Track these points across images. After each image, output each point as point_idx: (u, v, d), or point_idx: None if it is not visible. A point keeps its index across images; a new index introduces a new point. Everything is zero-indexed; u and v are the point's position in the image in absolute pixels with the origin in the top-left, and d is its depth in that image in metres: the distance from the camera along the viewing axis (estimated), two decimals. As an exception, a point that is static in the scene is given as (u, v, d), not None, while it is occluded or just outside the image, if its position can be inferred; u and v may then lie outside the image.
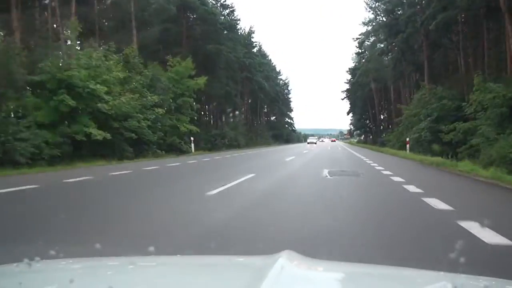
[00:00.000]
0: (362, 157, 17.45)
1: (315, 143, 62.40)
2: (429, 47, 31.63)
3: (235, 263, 1.34)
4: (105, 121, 17.80)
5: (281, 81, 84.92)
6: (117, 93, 18.40)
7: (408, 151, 19.81)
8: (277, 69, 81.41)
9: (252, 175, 8.96)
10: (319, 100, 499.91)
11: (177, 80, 26.41)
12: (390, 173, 9.55)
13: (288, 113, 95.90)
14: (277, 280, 0.86)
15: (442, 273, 1.10)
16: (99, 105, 16.80)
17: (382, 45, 48.82)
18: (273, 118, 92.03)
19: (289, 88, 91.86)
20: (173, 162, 14.80)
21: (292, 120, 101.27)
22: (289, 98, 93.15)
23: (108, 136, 16.84)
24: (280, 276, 0.90)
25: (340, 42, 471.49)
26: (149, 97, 21.64)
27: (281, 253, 1.07)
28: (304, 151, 25.93)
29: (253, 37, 52.78)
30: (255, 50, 58.63)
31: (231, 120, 60.89)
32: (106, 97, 17.41)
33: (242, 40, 51.25)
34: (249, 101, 65.39)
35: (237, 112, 54.73)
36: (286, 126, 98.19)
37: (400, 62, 36.21)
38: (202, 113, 47.05)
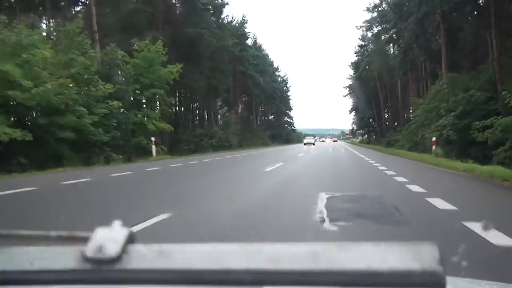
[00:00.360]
0: (376, 164, 12.71)
1: (313, 144, 53.95)
2: (447, 31, 26.94)
3: None
4: (26, 115, 13.16)
5: (279, 78, 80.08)
6: (46, 78, 13.71)
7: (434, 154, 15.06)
8: (275, 65, 76.75)
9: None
10: (321, 100, 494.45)
11: (146, 68, 21.72)
12: (453, 207, 4.82)
13: (287, 111, 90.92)
14: None
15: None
16: (10, 93, 12.14)
17: (387, 35, 44.31)
18: (271, 117, 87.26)
19: (287, 85, 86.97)
20: (78, 178, 9.20)
21: (292, 119, 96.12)
22: (288, 96, 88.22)
23: (20, 135, 12.16)
24: None
25: (342, 41, 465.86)
26: (100, 86, 16.98)
27: None
28: (299, 154, 21.24)
29: (246, 27, 47.99)
30: (249, 42, 53.94)
31: (226, 119, 56.40)
32: (25, 82, 12.74)
33: (234, 29, 46.56)
34: (246, 99, 60.70)
35: (228, 110, 49.95)
36: (286, 125, 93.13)
37: (411, 49, 31.40)
38: (193, 112, 42.49)
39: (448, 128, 20.98)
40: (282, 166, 11.90)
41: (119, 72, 19.72)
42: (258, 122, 76.61)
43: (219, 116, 58.63)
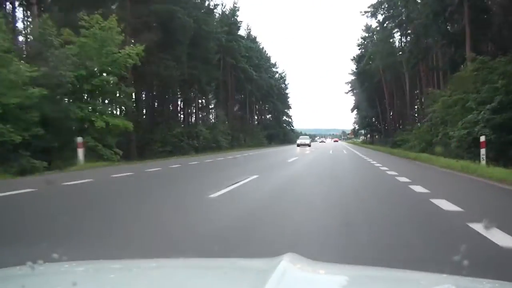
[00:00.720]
0: (402, 179, 7.90)
1: (309, 145, 42.34)
2: (470, 8, 22.30)
3: (238, 266, 1.31)
4: None
5: (276, 74, 75.27)
6: None
7: (484, 160, 10.15)
8: (272, 61, 71.88)
9: None
10: (321, 100, 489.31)
11: (96, 49, 17.06)
12: None
13: (285, 110, 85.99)
14: (279, 283, 0.85)
15: (445, 275, 1.07)
16: None
17: (394, 24, 39.73)
18: (268, 116, 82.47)
19: (286, 83, 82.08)
20: None
21: (291, 118, 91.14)
22: (287, 94, 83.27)
23: None
24: (282, 279, 0.88)
25: (343, 38, 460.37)
26: (14, 68, 12.35)
27: (284, 255, 1.05)
28: (290, 159, 16.55)
29: (237, 16, 43.23)
30: (243, 33, 49.19)
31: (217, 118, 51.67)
32: None
33: (225, 18, 41.94)
34: (241, 96, 55.95)
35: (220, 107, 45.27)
36: (284, 125, 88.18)
37: (424, 34, 26.61)
38: (173, 109, 37.71)
39: (482, 124, 16.36)
40: (248, 185, 7.21)
41: (55, 52, 15.05)
42: (256, 121, 71.94)
43: (211, 115, 53.99)
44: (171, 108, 34.20)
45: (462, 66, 20.95)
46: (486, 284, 1.06)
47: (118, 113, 22.76)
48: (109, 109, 18.00)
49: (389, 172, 9.57)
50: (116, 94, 18.72)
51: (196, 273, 1.17)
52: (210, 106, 53.80)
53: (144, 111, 32.34)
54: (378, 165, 12.56)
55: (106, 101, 18.71)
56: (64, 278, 1.08)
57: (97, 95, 17.68)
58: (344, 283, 1.11)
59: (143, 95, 30.50)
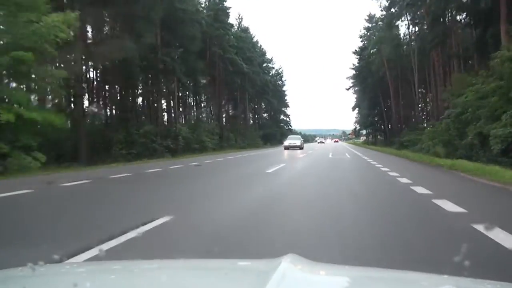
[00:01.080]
0: None
1: (300, 148, 32.44)
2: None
3: (239, 267, 1.31)
4: None
5: (273, 70, 70.58)
6: None
7: None
8: (268, 57, 67.23)
9: None
10: (322, 101, 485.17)
11: (7, 15, 12.48)
12: None
13: (282, 109, 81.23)
14: (280, 284, 0.85)
15: (446, 276, 1.08)
16: None
17: (403, 3, 35.17)
18: (265, 115, 77.84)
19: (283, 79, 77.35)
20: None
21: (289, 117, 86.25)
22: (284, 91, 78.54)
23: None
24: (283, 280, 0.88)
25: (345, 35, 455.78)
26: None
27: (285, 256, 1.05)
28: (271, 169, 11.78)
29: (226, 1, 38.55)
30: (234, 22, 44.59)
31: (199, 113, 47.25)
32: None
33: (212, 4, 37.42)
34: (237, 94, 51.34)
35: (204, 104, 40.71)
36: (281, 124, 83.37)
37: (444, 10, 21.98)
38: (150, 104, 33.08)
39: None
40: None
41: None
42: (251, 121, 67.38)
43: (204, 114, 49.40)
44: (136, 103, 29.47)
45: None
46: (487, 285, 1.05)
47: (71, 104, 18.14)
48: (32, 97, 13.33)
49: (458, 214, 4.76)
50: (44, 78, 14.07)
51: (197, 274, 1.17)
52: (203, 104, 49.33)
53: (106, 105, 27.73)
54: (408, 181, 7.78)
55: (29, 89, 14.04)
56: (64, 279, 1.09)
57: (11, 79, 13.06)
58: (344, 284, 1.11)
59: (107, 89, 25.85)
